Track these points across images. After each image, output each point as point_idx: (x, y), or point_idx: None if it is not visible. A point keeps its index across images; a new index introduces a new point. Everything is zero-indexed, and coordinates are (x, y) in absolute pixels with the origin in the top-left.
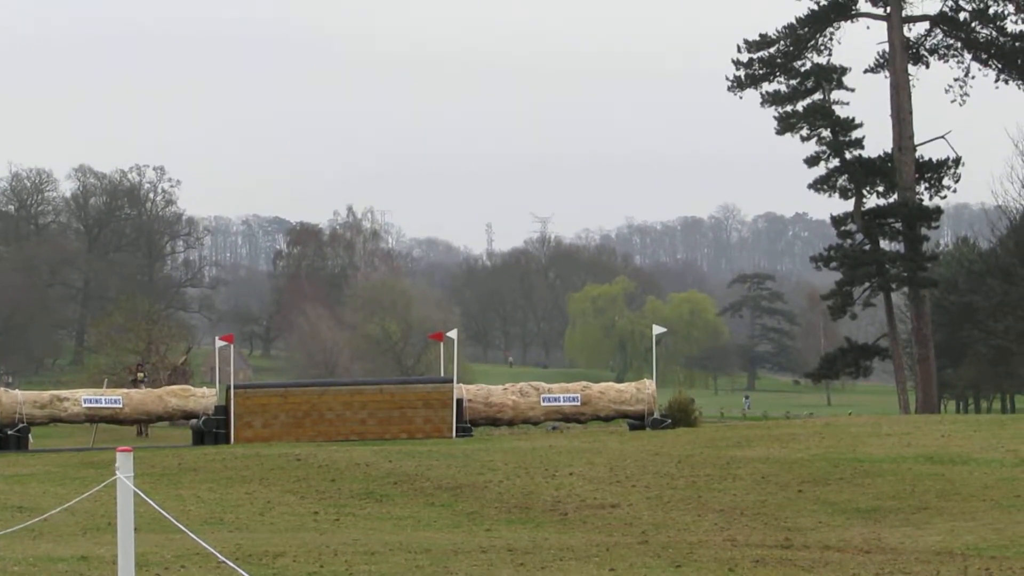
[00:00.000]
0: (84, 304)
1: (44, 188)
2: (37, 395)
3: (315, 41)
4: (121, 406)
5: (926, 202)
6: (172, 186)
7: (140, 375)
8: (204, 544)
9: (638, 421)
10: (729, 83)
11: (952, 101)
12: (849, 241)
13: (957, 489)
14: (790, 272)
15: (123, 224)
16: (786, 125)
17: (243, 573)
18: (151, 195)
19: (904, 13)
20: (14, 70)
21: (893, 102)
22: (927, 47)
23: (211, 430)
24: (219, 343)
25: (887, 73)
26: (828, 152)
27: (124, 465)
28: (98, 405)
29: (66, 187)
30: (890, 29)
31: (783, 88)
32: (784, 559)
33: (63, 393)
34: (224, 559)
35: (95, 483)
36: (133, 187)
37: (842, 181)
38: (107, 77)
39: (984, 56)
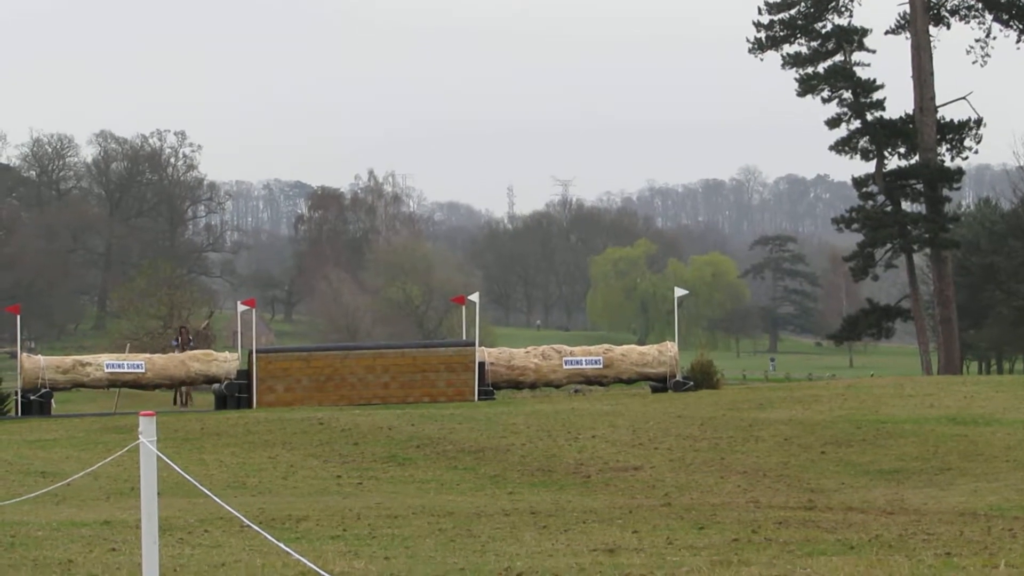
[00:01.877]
0: (106, 269)
1: (65, 154)
2: (60, 360)
3: (337, 5)
4: (144, 371)
5: (947, 163)
6: (193, 151)
7: (189, 337)
8: (228, 507)
9: (660, 384)
10: (750, 45)
11: (973, 62)
12: (871, 203)
13: (980, 450)
14: (812, 234)
15: (144, 189)
16: (807, 87)
17: (267, 536)
18: (172, 160)
19: None
20: (35, 36)
21: (914, 63)
22: (948, 8)
23: (233, 394)
24: (241, 308)
25: (908, 34)
26: (849, 114)
27: (147, 429)
28: (120, 370)
29: (87, 152)
30: None
31: (804, 50)
32: (807, 520)
33: (86, 358)
34: (248, 522)
35: (118, 448)
36: (154, 152)
37: (863, 143)
38: (128, 41)
39: (1005, 17)
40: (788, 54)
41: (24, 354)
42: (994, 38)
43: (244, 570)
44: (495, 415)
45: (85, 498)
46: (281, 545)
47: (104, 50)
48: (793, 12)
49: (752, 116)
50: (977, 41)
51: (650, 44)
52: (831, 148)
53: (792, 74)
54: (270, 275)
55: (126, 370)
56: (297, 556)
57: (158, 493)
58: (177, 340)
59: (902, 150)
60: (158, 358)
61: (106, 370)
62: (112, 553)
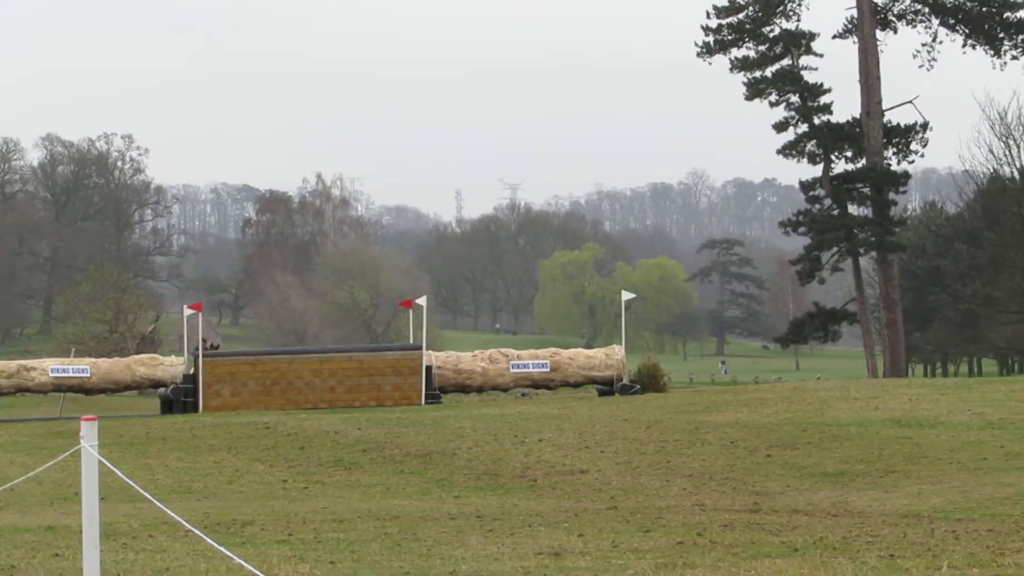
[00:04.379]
0: (51, 273)
1: (11, 157)
2: (4, 365)
3: (290, 3)
4: (88, 375)
5: (894, 167)
6: (140, 154)
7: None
8: (171, 513)
9: (607, 387)
10: (698, 49)
11: (920, 66)
12: (818, 206)
13: (924, 452)
14: (759, 237)
15: (91, 193)
16: (755, 91)
17: (210, 542)
18: (119, 163)
19: None
20: None
21: (861, 67)
22: (895, 12)
23: (179, 399)
24: (187, 311)
25: (855, 38)
26: (797, 117)
27: (89, 434)
28: (65, 375)
29: (33, 156)
30: None
31: (752, 54)
32: (752, 523)
33: (30, 362)
34: (192, 528)
35: (62, 452)
36: (101, 155)
37: (811, 146)
38: (74, 43)
39: (951, 21)
40: (736, 58)
41: None
42: (940, 42)
43: (188, 575)
44: (442, 419)
45: (29, 503)
46: (224, 550)
47: (51, 52)
48: (741, 16)
49: (700, 120)
50: (924, 45)
51: (600, 48)
52: (778, 152)
53: (740, 78)
54: (217, 279)
55: (71, 374)
56: (240, 561)
57: (102, 498)
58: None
59: (849, 154)
60: (103, 362)
61: (51, 375)
62: (55, 559)
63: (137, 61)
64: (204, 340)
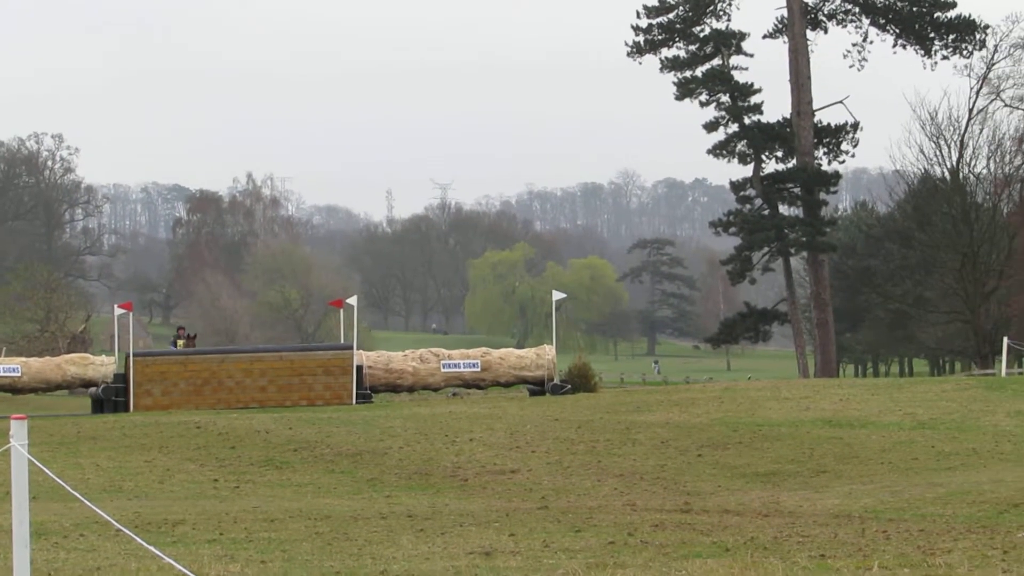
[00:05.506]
0: None
1: None
2: None
3: (219, 1)
4: (19, 374)
5: (825, 167)
6: (71, 154)
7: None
8: (102, 512)
9: (538, 387)
10: (628, 49)
11: (850, 66)
12: (748, 206)
13: (855, 452)
14: (690, 238)
15: (21, 192)
16: (685, 91)
17: (141, 541)
18: (49, 163)
19: None
20: None
21: (792, 67)
22: (825, 12)
23: (110, 398)
24: (118, 311)
25: (786, 38)
26: (727, 117)
27: (19, 433)
28: None
29: None
30: None
31: (682, 54)
32: (683, 523)
33: None
34: (122, 527)
35: None
36: (31, 155)
37: (741, 146)
38: (2, 44)
39: (882, 21)
40: (666, 58)
41: None
42: (871, 43)
43: (119, 574)
44: (373, 418)
45: None
46: (155, 550)
47: None
48: (671, 16)
49: (631, 120)
50: (854, 45)
51: (529, 47)
52: (709, 152)
53: (671, 78)
54: (148, 278)
55: (1, 374)
56: (171, 560)
57: (33, 497)
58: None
59: (779, 154)
60: (34, 361)
61: None
62: None
63: (67, 61)
64: (182, 329)
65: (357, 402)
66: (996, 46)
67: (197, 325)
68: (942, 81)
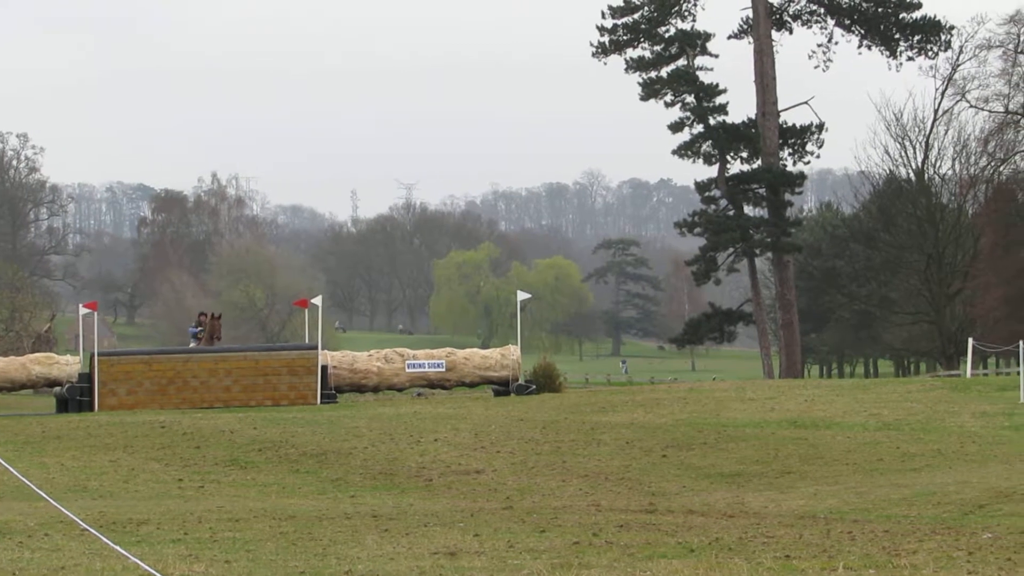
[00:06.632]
0: None
1: None
2: None
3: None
4: None
5: (790, 168)
6: (36, 153)
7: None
8: (67, 512)
9: (503, 387)
10: (593, 49)
11: (816, 67)
12: (713, 207)
13: (820, 453)
14: (655, 238)
15: None
16: (650, 91)
17: (106, 541)
18: (14, 162)
19: None
20: None
21: (757, 68)
22: (790, 13)
23: (75, 398)
24: (83, 310)
25: (751, 39)
26: (692, 118)
27: None
28: None
29: None
30: None
31: (647, 54)
32: (648, 523)
33: None
34: (87, 527)
35: None
36: None
37: (706, 147)
38: None
39: (847, 22)
40: (631, 58)
41: None
42: (836, 43)
43: (84, 574)
44: (337, 418)
45: None
46: (120, 549)
47: None
48: (636, 16)
49: (596, 120)
50: (819, 46)
51: (495, 47)
52: (674, 152)
53: (636, 78)
54: (113, 278)
55: None
56: (136, 560)
57: None
58: (198, 334)
59: (744, 154)
60: None
61: None
62: None
63: (32, 60)
64: (203, 314)
65: (322, 402)
66: (961, 47)
67: (161, 325)
68: (907, 82)
